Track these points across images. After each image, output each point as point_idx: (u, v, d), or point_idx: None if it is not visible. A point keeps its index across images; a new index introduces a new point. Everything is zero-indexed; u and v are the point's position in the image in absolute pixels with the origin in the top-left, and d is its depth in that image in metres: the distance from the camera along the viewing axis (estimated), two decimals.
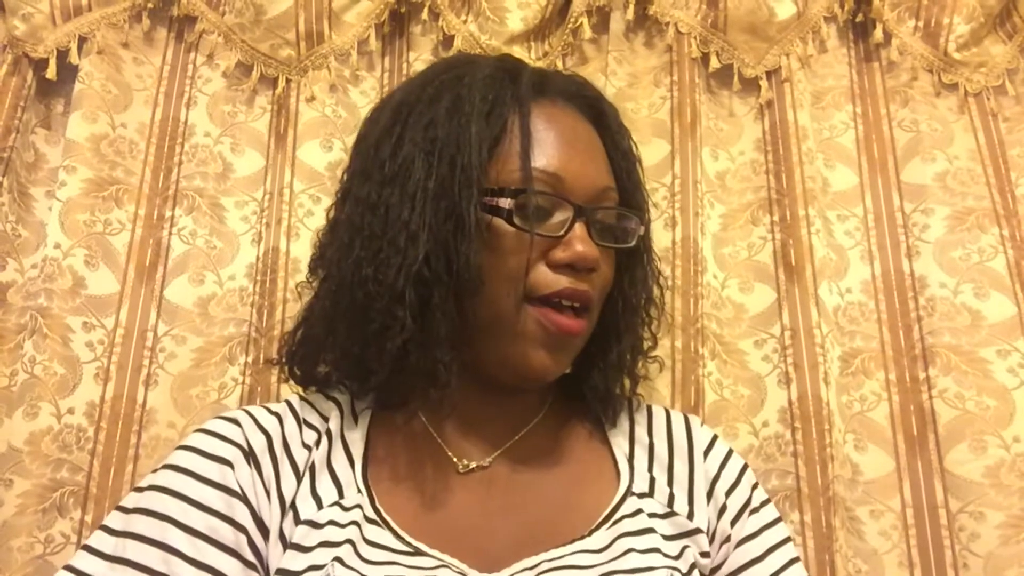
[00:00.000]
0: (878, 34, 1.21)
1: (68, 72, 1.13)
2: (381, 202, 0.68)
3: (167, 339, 1.07)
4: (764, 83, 1.18)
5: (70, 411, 1.00)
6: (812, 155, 1.14)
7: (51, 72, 1.12)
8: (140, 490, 0.65)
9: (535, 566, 0.63)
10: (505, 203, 0.66)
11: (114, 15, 1.15)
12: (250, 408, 0.72)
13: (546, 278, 0.67)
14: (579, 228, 0.67)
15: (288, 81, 1.17)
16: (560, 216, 0.68)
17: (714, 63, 1.19)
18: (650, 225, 0.80)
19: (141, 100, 1.16)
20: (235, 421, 0.69)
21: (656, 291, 0.80)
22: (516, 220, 0.66)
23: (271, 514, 0.64)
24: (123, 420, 1.03)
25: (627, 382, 0.79)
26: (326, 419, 0.71)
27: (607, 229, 0.71)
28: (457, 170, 0.66)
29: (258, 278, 1.10)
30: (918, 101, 1.20)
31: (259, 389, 1.04)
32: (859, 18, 1.23)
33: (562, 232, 0.67)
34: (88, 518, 0.98)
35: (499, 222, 0.66)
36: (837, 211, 1.17)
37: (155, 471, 0.66)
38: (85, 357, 1.03)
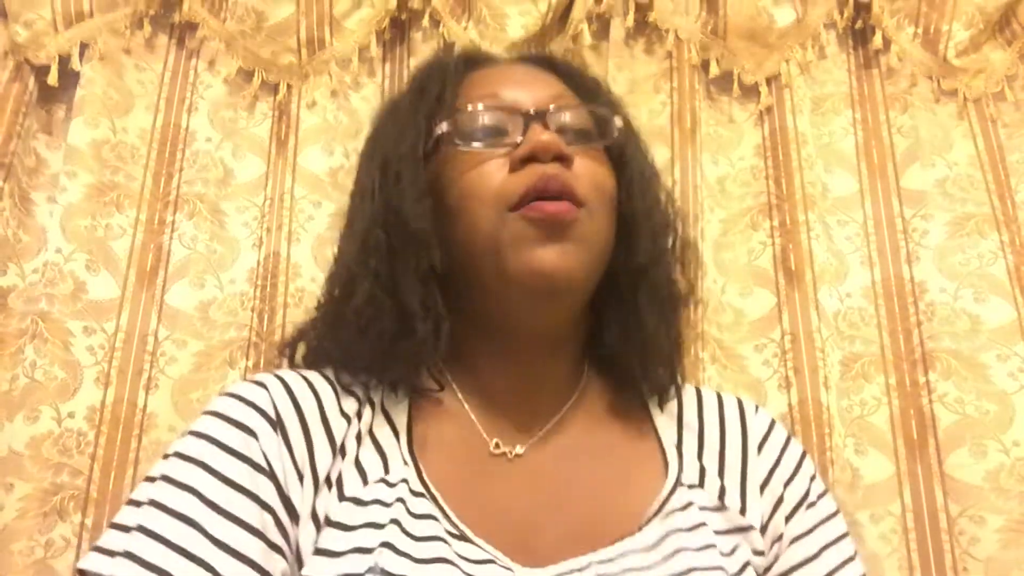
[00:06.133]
0: (877, 40, 1.22)
1: (69, 78, 1.13)
2: (354, 194, 0.75)
3: (168, 343, 1.07)
4: (764, 89, 1.19)
5: (70, 415, 1.00)
6: (812, 161, 1.15)
7: (52, 78, 1.12)
8: (166, 457, 0.60)
9: (584, 568, 0.61)
10: (443, 128, 0.67)
11: (115, 21, 1.15)
12: (280, 372, 0.67)
13: (516, 181, 0.64)
14: (537, 127, 0.65)
15: (289, 87, 1.17)
16: (514, 128, 0.66)
17: (714, 69, 1.19)
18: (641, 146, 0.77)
19: (142, 106, 1.16)
20: (262, 384, 0.64)
21: (668, 209, 0.75)
22: (457, 140, 0.67)
23: (302, 493, 0.60)
24: (123, 424, 1.02)
25: (652, 321, 0.71)
26: (367, 386, 0.67)
27: (577, 131, 0.68)
28: (392, 137, 0.71)
29: (259, 283, 1.10)
30: (917, 107, 1.20)
31: None
32: (858, 25, 1.24)
33: (519, 138, 0.65)
34: (88, 522, 0.98)
35: (446, 152, 0.67)
36: (837, 216, 1.17)
37: (180, 436, 0.62)
38: (86, 361, 1.03)
